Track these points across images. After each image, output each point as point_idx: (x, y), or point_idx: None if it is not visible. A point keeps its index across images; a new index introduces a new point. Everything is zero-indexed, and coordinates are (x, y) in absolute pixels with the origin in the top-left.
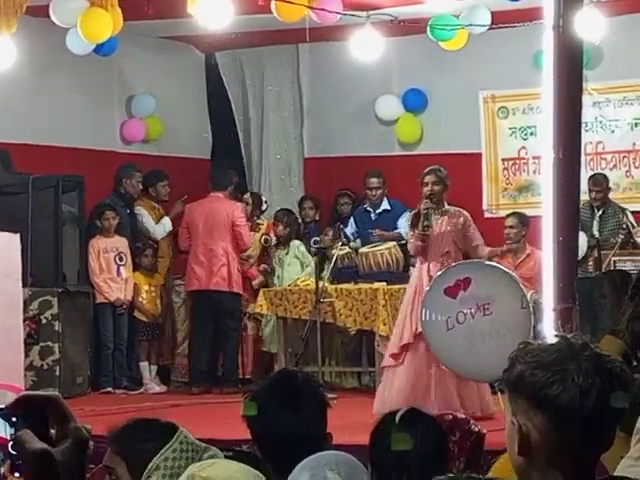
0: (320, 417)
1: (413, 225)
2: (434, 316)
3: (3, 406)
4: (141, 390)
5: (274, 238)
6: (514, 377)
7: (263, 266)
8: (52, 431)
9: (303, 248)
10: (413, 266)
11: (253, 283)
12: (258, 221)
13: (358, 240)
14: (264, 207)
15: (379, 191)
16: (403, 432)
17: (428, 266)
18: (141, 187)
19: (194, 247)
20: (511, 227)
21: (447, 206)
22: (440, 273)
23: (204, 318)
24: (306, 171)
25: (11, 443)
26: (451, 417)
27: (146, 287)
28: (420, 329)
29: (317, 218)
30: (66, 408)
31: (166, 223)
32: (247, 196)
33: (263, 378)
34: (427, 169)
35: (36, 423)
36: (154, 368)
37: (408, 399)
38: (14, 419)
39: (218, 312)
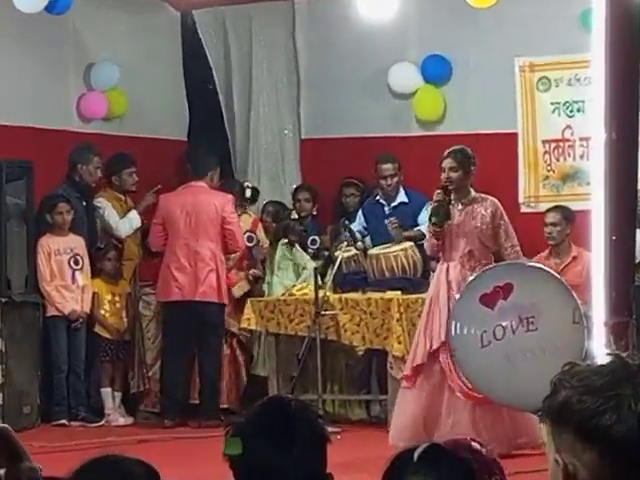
0: (318, 454)
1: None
2: (466, 330)
3: None
4: (102, 422)
5: (264, 237)
6: (558, 405)
7: (254, 272)
8: (0, 471)
9: (298, 248)
10: (434, 271)
11: (232, 290)
12: (246, 213)
13: (367, 239)
14: (247, 194)
15: (394, 179)
16: (422, 474)
17: (447, 269)
18: (100, 174)
19: (173, 248)
20: (553, 224)
21: (473, 194)
22: (474, 277)
23: (184, 335)
24: (303, 155)
25: None
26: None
27: (109, 297)
28: (435, 346)
29: (314, 212)
30: (18, 444)
31: (133, 217)
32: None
33: (249, 407)
34: (447, 151)
35: None
36: (118, 395)
37: (418, 429)
38: None
39: (200, 327)
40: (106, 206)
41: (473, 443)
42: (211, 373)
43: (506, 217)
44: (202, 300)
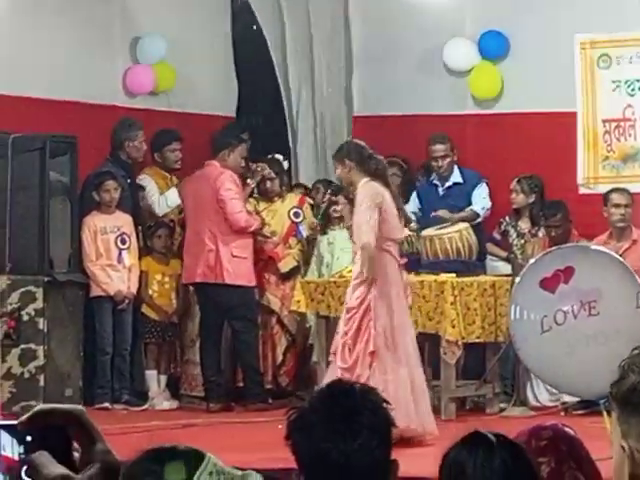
0: (383, 441)
1: None
2: (526, 314)
3: (16, 422)
4: (146, 406)
5: (311, 215)
6: (627, 390)
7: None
8: (75, 454)
9: None
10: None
11: (279, 265)
12: (291, 192)
13: (421, 220)
14: (286, 166)
15: (446, 160)
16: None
17: None
18: (144, 149)
19: (186, 230)
20: (626, 205)
21: (361, 183)
22: (533, 260)
23: (207, 317)
24: (355, 133)
25: (25, 467)
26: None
27: (158, 277)
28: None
29: None
30: (93, 426)
31: (169, 195)
32: (255, 166)
33: (302, 390)
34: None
35: (55, 444)
36: (163, 378)
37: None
38: (29, 438)
39: (221, 310)
40: (148, 183)
41: (566, 429)
42: (244, 355)
43: (364, 206)
44: (202, 282)
